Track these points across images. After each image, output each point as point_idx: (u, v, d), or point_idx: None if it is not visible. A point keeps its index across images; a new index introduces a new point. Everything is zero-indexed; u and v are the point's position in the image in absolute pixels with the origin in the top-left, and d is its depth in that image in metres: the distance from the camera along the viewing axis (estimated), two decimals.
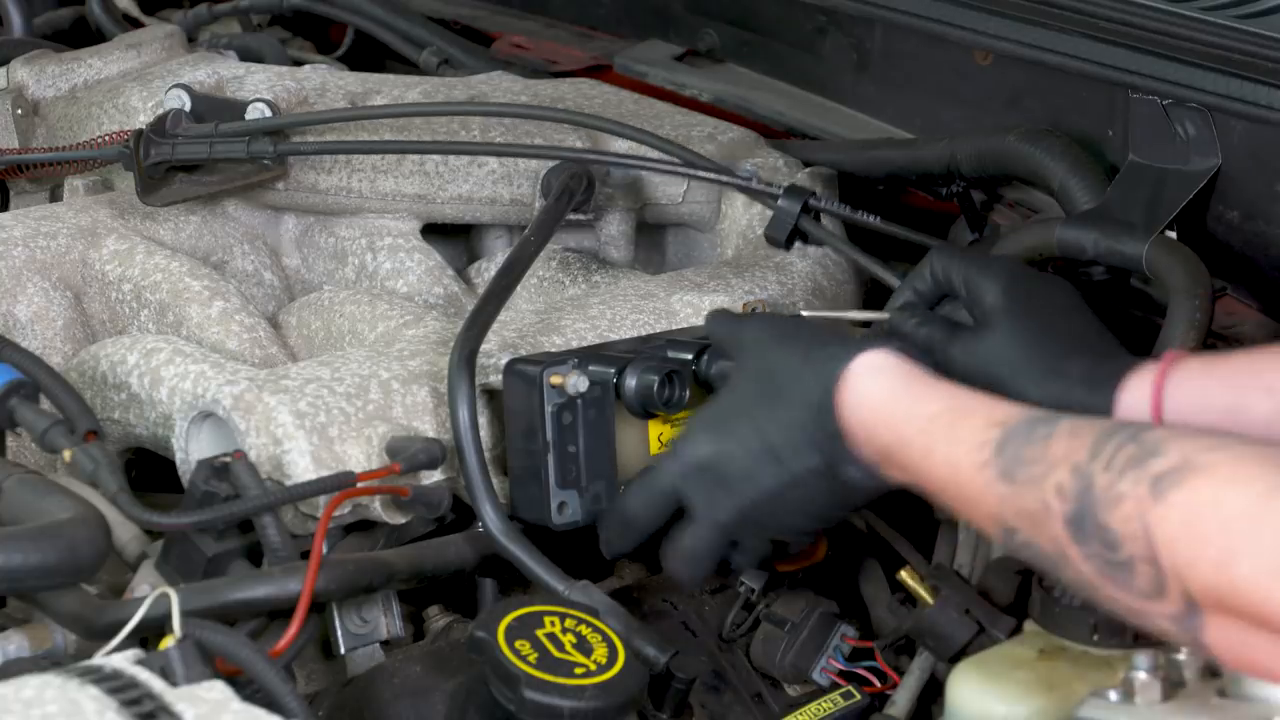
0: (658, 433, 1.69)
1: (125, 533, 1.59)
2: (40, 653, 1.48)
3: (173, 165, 2.01)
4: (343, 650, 1.61)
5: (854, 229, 2.02)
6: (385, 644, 1.63)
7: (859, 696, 1.68)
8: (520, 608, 1.48)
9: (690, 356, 1.69)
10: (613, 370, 1.65)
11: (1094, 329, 1.55)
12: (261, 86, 2.15)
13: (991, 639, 1.60)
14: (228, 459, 1.54)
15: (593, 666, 1.45)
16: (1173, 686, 1.29)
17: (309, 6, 2.71)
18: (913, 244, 1.98)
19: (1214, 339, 1.72)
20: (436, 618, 1.71)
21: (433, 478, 1.65)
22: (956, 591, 1.63)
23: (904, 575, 1.65)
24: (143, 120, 2.12)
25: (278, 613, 1.48)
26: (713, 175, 2.01)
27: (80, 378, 1.79)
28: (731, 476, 1.48)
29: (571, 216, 2.00)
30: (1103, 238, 1.76)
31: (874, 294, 2.02)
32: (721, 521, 1.50)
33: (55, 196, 2.24)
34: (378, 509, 1.62)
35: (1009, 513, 1.25)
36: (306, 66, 2.33)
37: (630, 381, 1.65)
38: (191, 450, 1.64)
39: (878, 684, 1.69)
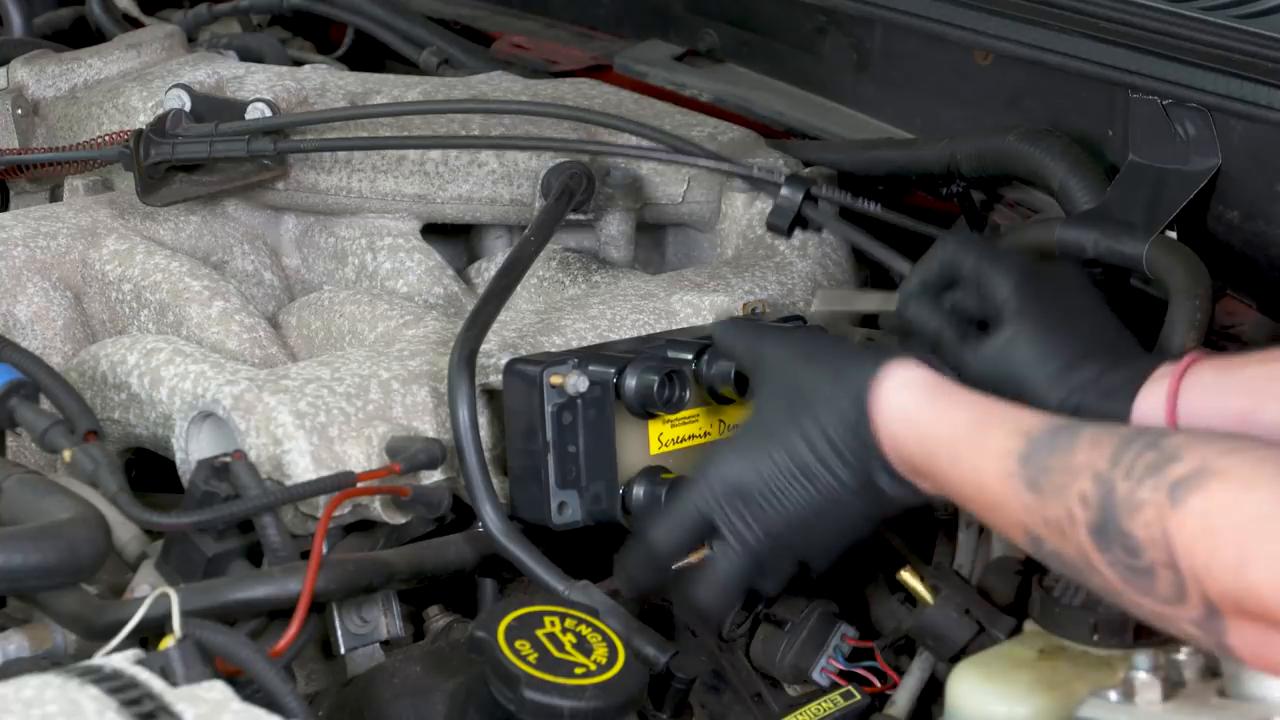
0: (658, 433, 1.69)
1: (125, 533, 1.59)
2: (40, 653, 1.48)
3: (173, 165, 2.01)
4: (343, 650, 1.61)
5: (856, 223, 2.02)
6: (385, 644, 1.63)
7: (859, 696, 1.68)
8: (520, 608, 1.48)
9: (690, 356, 1.69)
10: (613, 370, 1.65)
11: (1108, 323, 1.55)
12: (261, 86, 2.15)
13: (991, 639, 1.60)
14: (228, 459, 1.54)
15: (593, 666, 1.45)
16: (1173, 686, 1.29)
17: (309, 6, 2.71)
18: (912, 234, 1.97)
19: (1214, 338, 1.72)
20: (436, 618, 1.71)
21: (433, 478, 1.65)
22: (956, 591, 1.63)
23: (904, 575, 1.65)
24: (143, 120, 2.12)
25: (278, 613, 1.48)
26: (715, 164, 2.00)
27: (80, 378, 1.79)
28: (765, 497, 1.45)
29: (571, 216, 2.00)
30: (1103, 238, 1.76)
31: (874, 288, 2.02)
32: (754, 545, 1.46)
33: (55, 196, 2.24)
34: (378, 509, 1.62)
35: (1036, 522, 1.26)
36: (306, 66, 2.33)
37: (630, 381, 1.65)
38: (191, 450, 1.64)
39: (878, 684, 1.69)
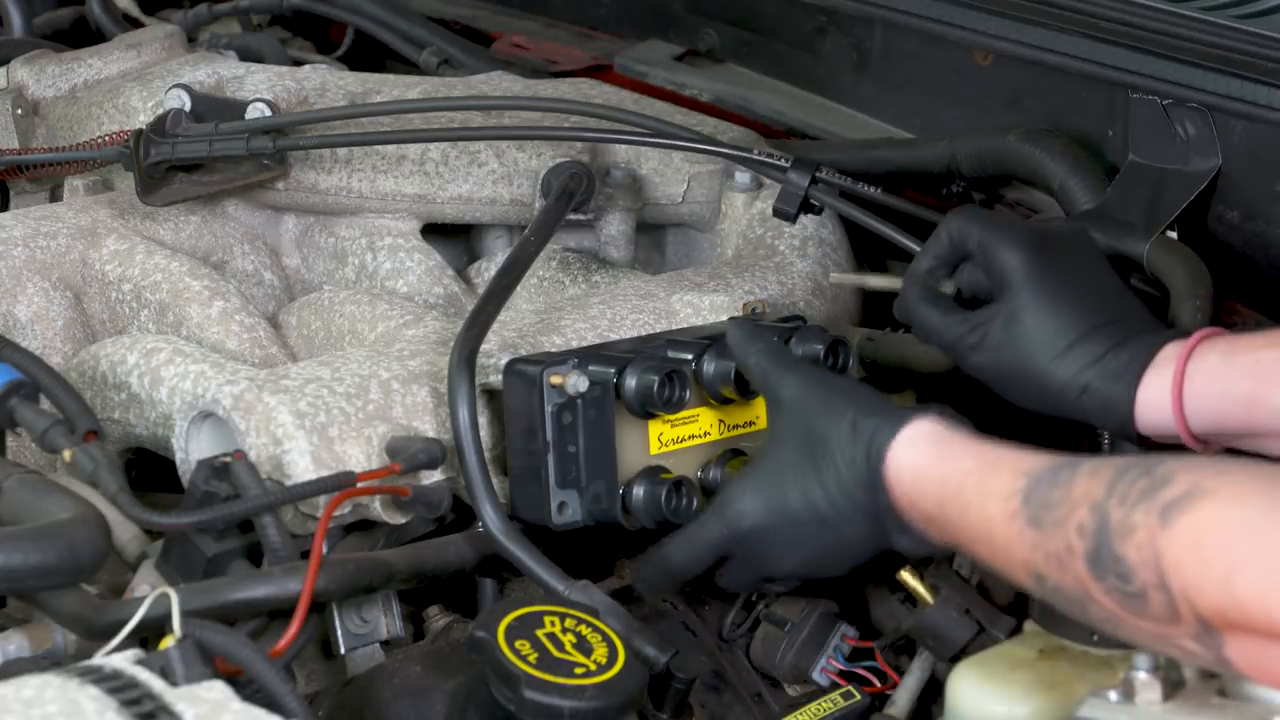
0: (658, 433, 1.69)
1: (125, 533, 1.59)
2: (40, 653, 1.48)
3: (173, 165, 2.00)
4: (343, 650, 1.61)
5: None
6: (385, 644, 1.63)
7: (859, 696, 1.68)
8: (520, 608, 1.48)
9: (690, 356, 1.69)
10: (613, 370, 1.65)
11: (1117, 292, 1.56)
12: (261, 86, 2.15)
13: (991, 639, 1.60)
14: (228, 459, 1.54)
15: (593, 666, 1.45)
16: (1173, 686, 1.29)
17: (309, 6, 2.71)
18: (914, 220, 1.96)
19: None
20: (436, 618, 1.71)
21: (433, 478, 1.65)
22: (956, 591, 1.63)
23: (904, 575, 1.65)
24: (143, 120, 2.12)
25: (278, 613, 1.48)
26: (719, 150, 1.99)
27: (80, 378, 1.79)
28: (781, 544, 1.51)
29: (571, 216, 2.00)
30: (1103, 237, 1.76)
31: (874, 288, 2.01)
32: (766, 577, 1.57)
33: (55, 196, 2.24)
34: (378, 509, 1.62)
35: (1038, 558, 1.26)
36: (306, 66, 2.33)
37: (630, 381, 1.65)
38: (191, 450, 1.64)
39: (878, 684, 1.69)
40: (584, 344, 1.78)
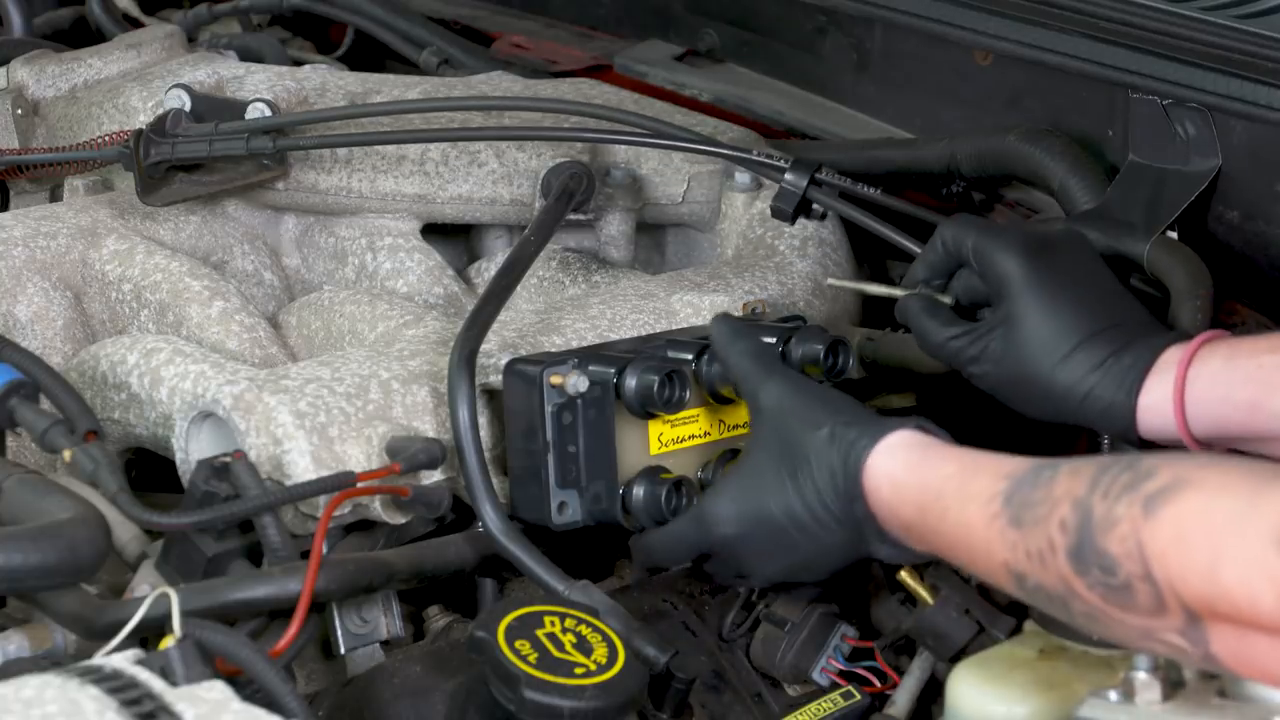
0: (658, 433, 1.69)
1: (125, 533, 1.59)
2: (40, 653, 1.48)
3: (173, 165, 2.01)
4: (343, 650, 1.61)
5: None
6: (385, 644, 1.63)
7: (859, 696, 1.68)
8: (520, 608, 1.48)
9: (690, 356, 1.69)
10: (613, 370, 1.65)
11: (1116, 294, 1.56)
12: (261, 86, 2.15)
13: (991, 639, 1.60)
14: (228, 459, 1.54)
15: (593, 666, 1.45)
16: (1173, 686, 1.29)
17: (309, 6, 2.71)
18: (913, 221, 1.96)
19: None
20: (436, 618, 1.71)
21: (433, 478, 1.65)
22: (956, 591, 1.63)
23: (904, 575, 1.65)
24: (143, 120, 2.12)
25: (278, 613, 1.48)
26: (718, 150, 1.99)
27: (80, 378, 1.79)
28: (757, 551, 1.52)
29: (571, 216, 2.00)
30: (1103, 238, 1.76)
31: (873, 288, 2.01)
32: (743, 577, 1.58)
33: (55, 196, 2.24)
34: (378, 509, 1.62)
35: (1019, 558, 1.26)
36: (306, 66, 2.33)
37: (630, 381, 1.65)
38: (191, 450, 1.64)
39: (878, 684, 1.69)
40: (584, 344, 1.78)
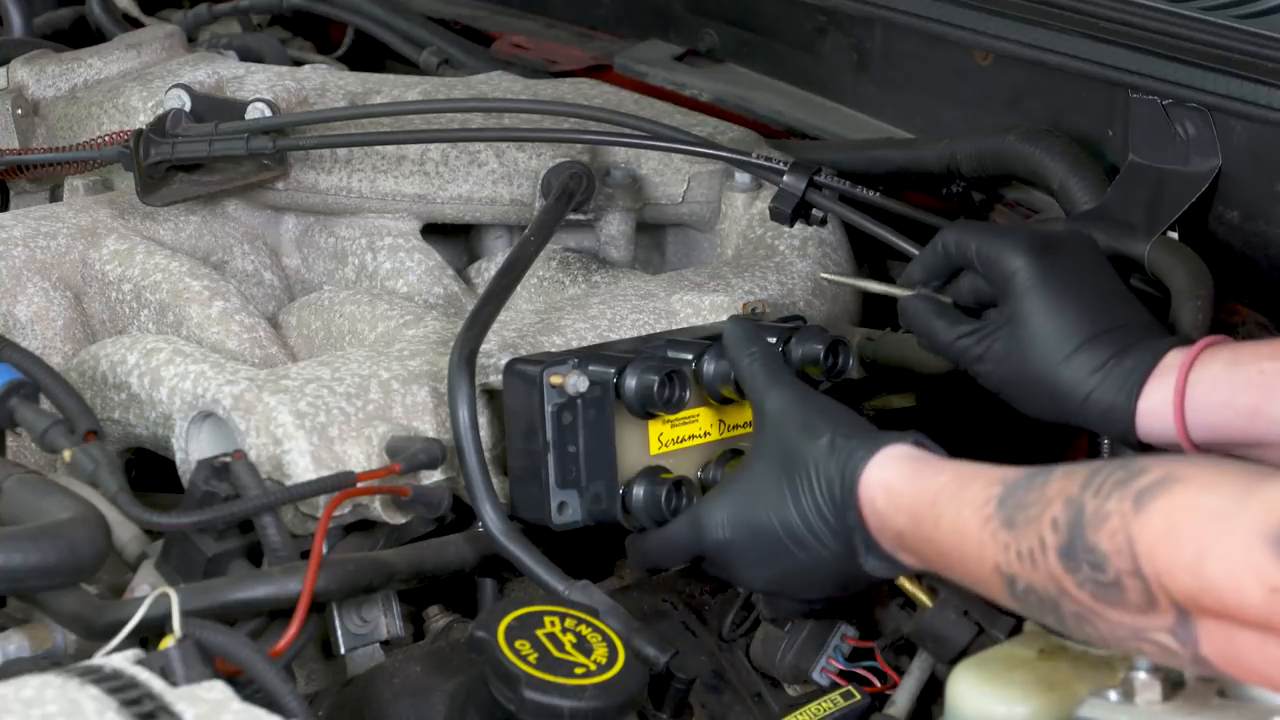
0: (658, 433, 1.69)
1: (125, 533, 1.59)
2: (40, 653, 1.48)
3: (173, 165, 2.01)
4: (343, 650, 1.61)
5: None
6: (385, 644, 1.63)
7: (859, 696, 1.68)
8: (520, 608, 1.48)
9: (690, 356, 1.69)
10: (613, 370, 1.65)
11: (1119, 296, 1.56)
12: (261, 86, 2.15)
13: (991, 639, 1.60)
14: (228, 459, 1.54)
15: (593, 666, 1.45)
16: (1173, 686, 1.29)
17: (309, 6, 2.71)
18: (912, 224, 1.96)
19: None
20: (436, 618, 1.71)
21: (433, 478, 1.65)
22: (954, 593, 1.63)
23: (902, 579, 1.64)
24: (143, 120, 2.12)
25: (278, 613, 1.48)
26: (715, 153, 1.99)
27: (80, 378, 1.79)
28: (750, 559, 1.52)
29: (571, 216, 2.00)
30: (1103, 238, 1.76)
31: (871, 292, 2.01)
32: (738, 584, 1.59)
33: (55, 196, 2.24)
34: (378, 509, 1.62)
35: (1011, 559, 1.26)
36: (306, 66, 2.33)
37: (630, 381, 1.65)
38: (191, 450, 1.64)
39: (878, 684, 1.69)
40: (584, 344, 1.78)
